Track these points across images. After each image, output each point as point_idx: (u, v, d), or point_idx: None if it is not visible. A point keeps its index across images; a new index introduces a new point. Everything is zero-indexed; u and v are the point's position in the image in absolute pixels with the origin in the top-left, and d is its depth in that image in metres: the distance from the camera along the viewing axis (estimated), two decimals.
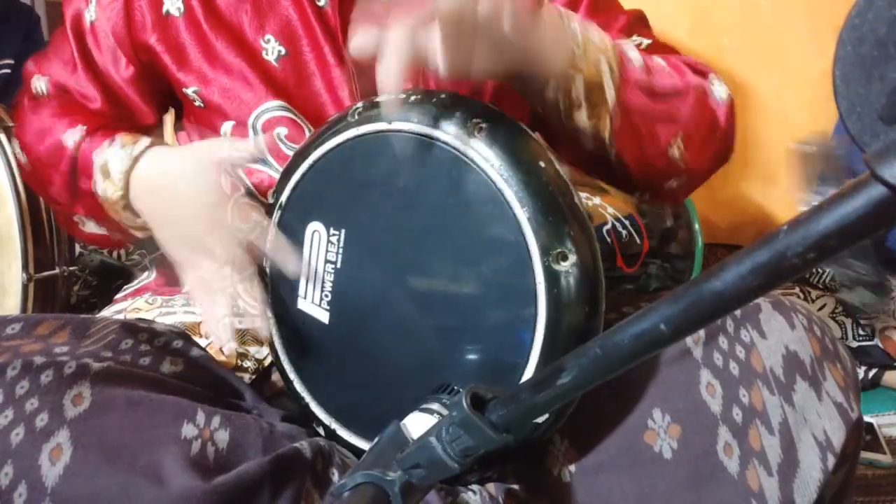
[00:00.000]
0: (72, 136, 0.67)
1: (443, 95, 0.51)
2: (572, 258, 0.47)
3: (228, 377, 0.59)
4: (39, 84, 0.73)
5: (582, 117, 0.56)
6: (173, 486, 0.45)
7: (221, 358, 0.62)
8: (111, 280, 1.62)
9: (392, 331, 0.53)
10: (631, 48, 0.62)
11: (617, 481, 0.52)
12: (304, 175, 0.56)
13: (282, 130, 0.67)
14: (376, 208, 0.53)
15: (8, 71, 1.90)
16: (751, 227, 1.58)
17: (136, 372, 0.51)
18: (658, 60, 0.64)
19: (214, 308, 0.58)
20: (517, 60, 0.51)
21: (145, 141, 0.65)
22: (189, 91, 0.69)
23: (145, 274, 0.78)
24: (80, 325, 0.55)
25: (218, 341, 0.60)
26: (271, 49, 0.67)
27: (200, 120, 0.71)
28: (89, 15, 0.69)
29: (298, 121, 0.67)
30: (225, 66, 0.68)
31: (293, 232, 0.57)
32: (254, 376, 0.62)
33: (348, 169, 0.54)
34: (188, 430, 0.48)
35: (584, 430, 0.54)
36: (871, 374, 1.40)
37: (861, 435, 0.54)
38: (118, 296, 0.77)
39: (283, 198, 0.57)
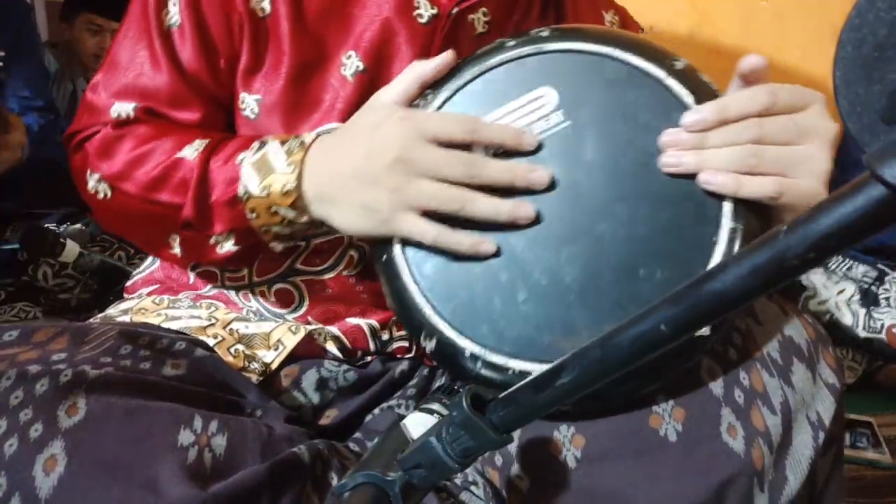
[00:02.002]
0: (191, 150, 0.61)
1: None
2: None
3: (233, 377, 0.59)
4: (124, 109, 0.65)
5: None
6: (170, 496, 0.44)
7: (229, 359, 0.62)
8: (112, 282, 1.62)
9: (541, 237, 0.52)
10: None
11: (623, 466, 0.52)
12: (585, 53, 0.54)
13: None
14: (609, 137, 0.52)
15: (0, 64, 1.86)
16: None
17: (134, 377, 0.50)
18: None
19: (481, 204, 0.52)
20: None
21: (313, 133, 0.59)
22: (251, 98, 0.65)
23: (149, 260, 0.77)
24: (79, 331, 0.54)
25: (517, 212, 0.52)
26: (350, 65, 0.64)
27: (244, 132, 0.67)
28: (171, 18, 0.65)
29: None
30: (299, 78, 0.64)
31: (526, 75, 0.54)
32: (260, 378, 0.62)
33: (619, 89, 0.52)
34: (185, 437, 0.48)
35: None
36: (871, 366, 1.42)
37: (843, 413, 0.56)
38: (129, 283, 0.76)
39: (552, 47, 0.54)
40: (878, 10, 0.24)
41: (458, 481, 0.58)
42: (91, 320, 0.67)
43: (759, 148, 0.49)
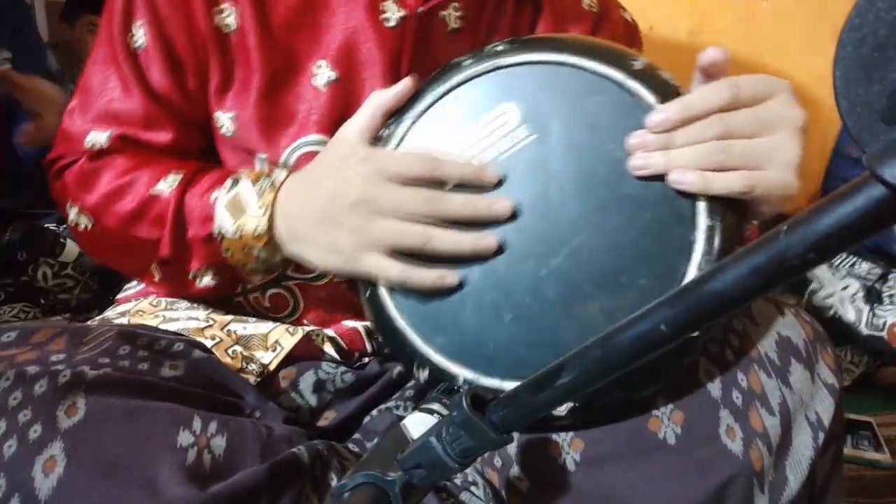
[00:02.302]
0: (166, 186, 0.62)
1: None
2: None
3: (231, 378, 0.59)
4: (98, 139, 0.65)
5: None
6: (170, 497, 0.44)
7: (227, 360, 0.62)
8: (112, 282, 1.62)
9: (519, 255, 0.52)
10: None
11: (623, 469, 0.52)
12: (541, 63, 0.53)
13: None
14: (575, 145, 0.51)
15: (8, 65, 1.83)
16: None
17: (133, 378, 0.50)
18: None
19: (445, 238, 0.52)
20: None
21: (283, 172, 0.60)
22: (225, 116, 0.65)
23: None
24: (77, 332, 0.54)
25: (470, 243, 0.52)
26: (321, 74, 0.64)
27: (223, 149, 0.68)
28: (137, 41, 0.64)
29: None
30: (271, 92, 0.64)
31: (485, 92, 0.54)
32: (259, 379, 0.62)
33: (579, 96, 0.52)
34: (184, 438, 0.48)
35: None
36: (869, 367, 1.42)
37: (843, 412, 0.56)
38: (120, 296, 0.77)
39: (508, 62, 0.53)
40: (878, 10, 0.24)
41: (457, 481, 0.58)
42: (89, 322, 0.67)
43: (725, 143, 0.48)
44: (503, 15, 0.69)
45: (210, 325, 0.66)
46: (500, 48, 0.54)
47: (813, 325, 0.58)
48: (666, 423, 0.52)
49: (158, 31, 0.64)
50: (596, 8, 0.75)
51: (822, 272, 1.43)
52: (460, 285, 0.53)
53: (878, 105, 0.24)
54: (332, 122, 0.63)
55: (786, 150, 0.49)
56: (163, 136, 0.66)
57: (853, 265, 1.45)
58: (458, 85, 0.54)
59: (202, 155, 0.69)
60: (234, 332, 0.66)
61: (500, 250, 0.52)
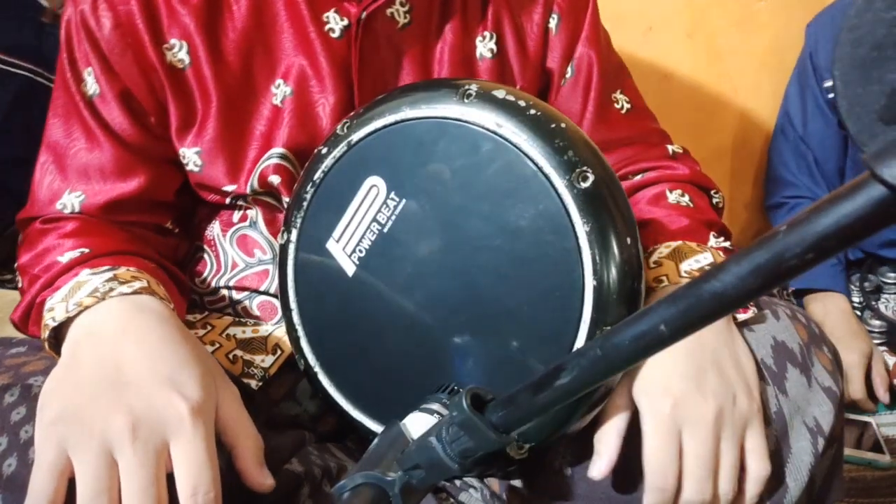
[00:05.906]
0: (70, 255, 0.57)
1: (563, 126, 0.50)
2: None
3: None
4: (69, 201, 0.63)
5: None
6: None
7: (227, 364, 0.62)
8: None
9: (413, 316, 0.53)
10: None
11: (621, 472, 0.52)
12: (385, 127, 0.54)
13: (275, 179, 0.64)
14: (443, 196, 0.52)
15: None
16: (750, 230, 1.58)
17: None
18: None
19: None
20: None
21: (139, 283, 0.53)
22: (190, 152, 0.64)
23: None
24: None
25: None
26: (280, 93, 0.64)
27: (194, 185, 0.67)
28: (89, 89, 0.62)
29: (292, 168, 0.64)
30: (232, 116, 0.63)
31: (349, 175, 0.56)
32: (260, 384, 0.62)
33: (427, 146, 0.52)
34: None
35: None
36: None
37: (844, 413, 0.55)
38: None
39: (356, 137, 0.55)
40: (876, 10, 0.24)
41: (457, 482, 0.58)
42: None
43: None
44: (453, 3, 0.68)
45: (209, 331, 0.66)
46: (345, 129, 0.57)
47: (808, 326, 0.57)
48: None
49: (110, 76, 0.62)
50: None
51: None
52: (379, 353, 0.55)
53: (876, 105, 0.24)
54: (292, 135, 0.63)
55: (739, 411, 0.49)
56: (135, 182, 0.64)
57: None
58: (325, 175, 0.57)
59: (181, 192, 0.68)
60: (234, 335, 0.66)
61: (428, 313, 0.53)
